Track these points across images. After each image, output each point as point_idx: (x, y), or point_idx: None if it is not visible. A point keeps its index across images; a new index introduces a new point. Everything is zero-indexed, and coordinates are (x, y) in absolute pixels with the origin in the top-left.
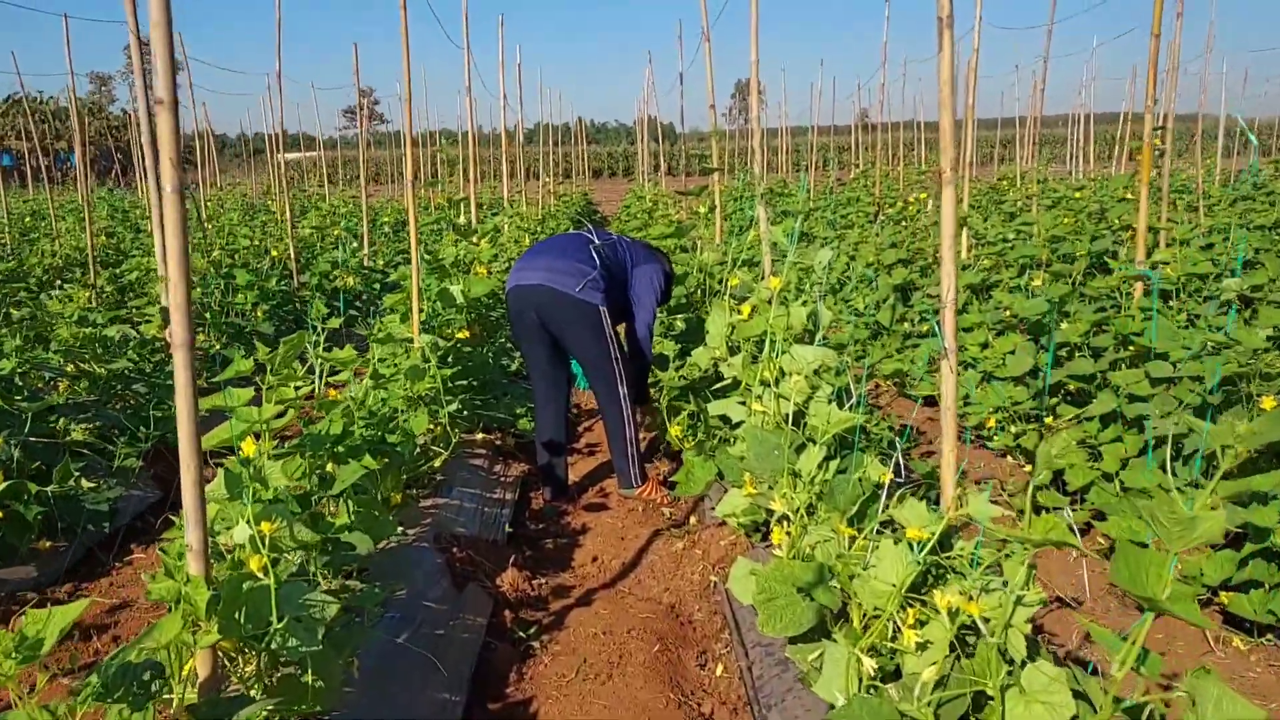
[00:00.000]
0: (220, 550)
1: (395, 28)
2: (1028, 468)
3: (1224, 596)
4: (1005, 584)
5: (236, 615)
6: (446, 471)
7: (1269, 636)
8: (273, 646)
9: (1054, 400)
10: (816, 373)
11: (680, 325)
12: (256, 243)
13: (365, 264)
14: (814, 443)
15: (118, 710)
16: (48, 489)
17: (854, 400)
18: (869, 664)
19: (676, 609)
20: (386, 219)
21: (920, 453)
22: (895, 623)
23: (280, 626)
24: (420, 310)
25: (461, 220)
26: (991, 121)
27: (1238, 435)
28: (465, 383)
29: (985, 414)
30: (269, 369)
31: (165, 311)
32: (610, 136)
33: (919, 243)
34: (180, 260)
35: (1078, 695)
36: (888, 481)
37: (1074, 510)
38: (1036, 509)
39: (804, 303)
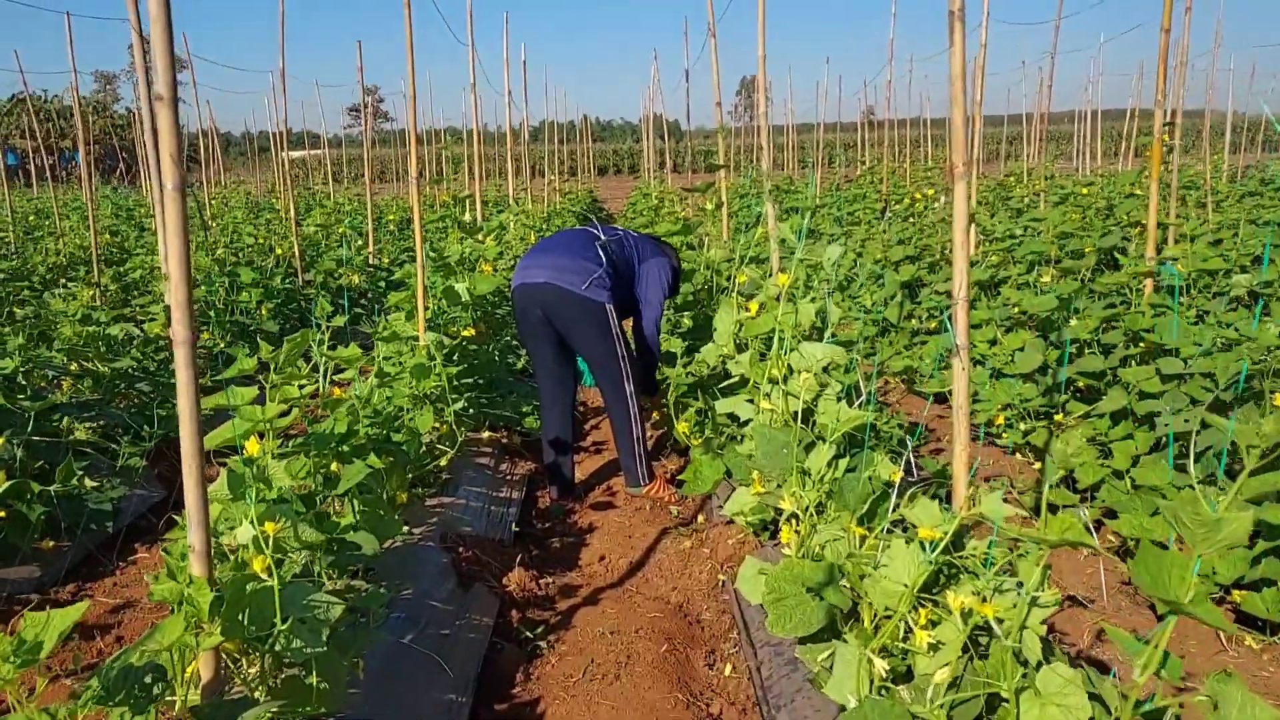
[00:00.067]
0: (224, 551)
1: (400, 25)
2: (1037, 465)
3: (1237, 595)
4: (1019, 584)
5: (240, 617)
6: (452, 470)
7: None
8: (277, 648)
9: (1063, 397)
10: (825, 370)
11: (688, 322)
12: (261, 241)
13: (370, 262)
14: (823, 440)
15: (119, 714)
16: (51, 488)
17: (864, 398)
18: (880, 665)
19: (684, 608)
20: (391, 217)
21: (930, 450)
22: (907, 623)
23: (284, 628)
24: (425, 308)
25: (467, 218)
26: (998, 118)
27: (1262, 434)
28: (471, 381)
29: (994, 411)
30: (273, 367)
31: (169, 310)
32: (615, 134)
33: (926, 239)
34: (181, 258)
35: (1093, 697)
36: (898, 480)
37: (1084, 508)
38: (1049, 507)
39: (812, 299)
